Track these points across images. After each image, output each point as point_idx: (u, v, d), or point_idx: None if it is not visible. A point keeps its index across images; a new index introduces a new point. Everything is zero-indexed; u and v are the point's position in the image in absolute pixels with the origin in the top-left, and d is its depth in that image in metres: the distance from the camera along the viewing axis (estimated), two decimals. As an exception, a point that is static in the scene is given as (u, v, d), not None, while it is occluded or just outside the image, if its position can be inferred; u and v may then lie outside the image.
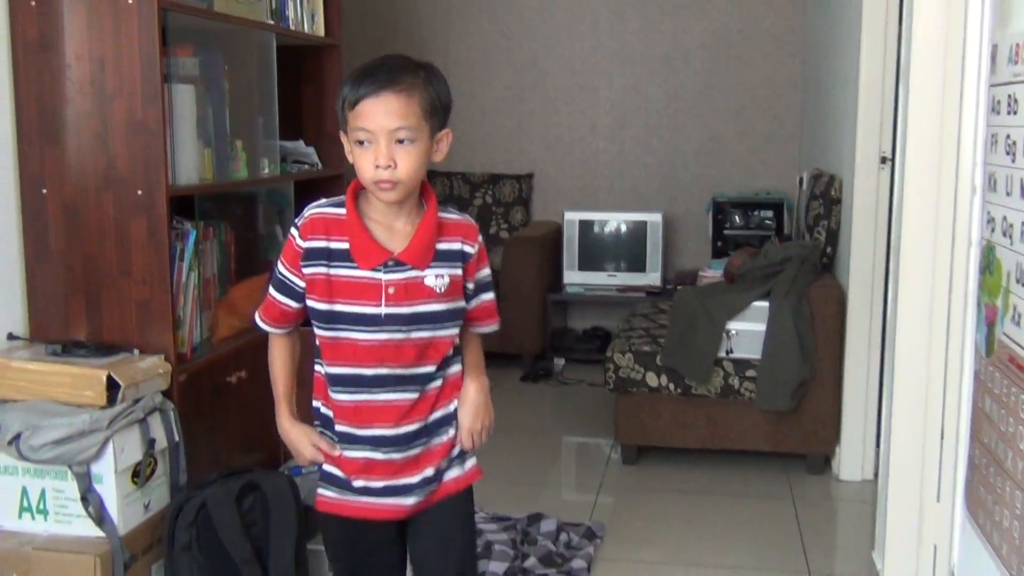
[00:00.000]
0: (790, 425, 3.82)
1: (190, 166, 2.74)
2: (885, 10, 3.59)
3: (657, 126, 5.86)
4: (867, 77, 3.64)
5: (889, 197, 3.52)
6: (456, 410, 1.92)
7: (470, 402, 1.93)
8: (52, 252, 2.62)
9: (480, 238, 1.89)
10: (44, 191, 2.61)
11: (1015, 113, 1.83)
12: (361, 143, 1.71)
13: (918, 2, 2.60)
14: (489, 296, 1.93)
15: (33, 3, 2.55)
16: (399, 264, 1.78)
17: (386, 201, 1.76)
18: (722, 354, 3.81)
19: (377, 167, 1.69)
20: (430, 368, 1.85)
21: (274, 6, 3.22)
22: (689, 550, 3.19)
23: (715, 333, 3.82)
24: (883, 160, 3.64)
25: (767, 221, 5.31)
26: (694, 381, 3.82)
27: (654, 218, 5.51)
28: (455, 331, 1.87)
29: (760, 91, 5.72)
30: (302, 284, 1.83)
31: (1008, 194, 1.86)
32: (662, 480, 3.85)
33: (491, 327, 1.96)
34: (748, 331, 3.81)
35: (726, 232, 5.36)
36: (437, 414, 1.90)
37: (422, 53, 6.21)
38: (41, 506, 2.42)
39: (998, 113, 1.95)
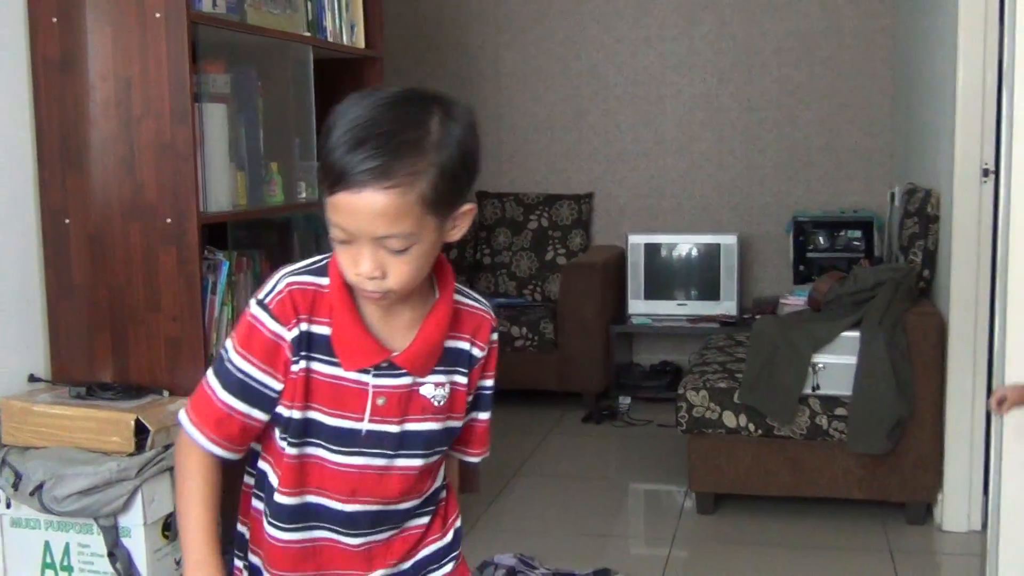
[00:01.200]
0: (886, 469, 3.75)
1: (222, 191, 2.78)
2: (984, 6, 3.55)
3: (731, 139, 5.84)
4: (965, 80, 3.60)
5: (993, 213, 3.47)
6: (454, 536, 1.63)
7: None
8: (75, 287, 2.67)
9: (495, 335, 1.56)
10: (67, 221, 2.66)
11: None
12: (340, 241, 1.35)
13: (1021, -4, 2.58)
14: (485, 416, 1.61)
15: (55, 19, 2.61)
16: (393, 368, 1.44)
17: (375, 304, 1.42)
18: (808, 391, 3.77)
19: (359, 275, 1.35)
20: (413, 502, 1.54)
21: (311, 17, 3.27)
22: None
23: (800, 367, 3.78)
24: (985, 172, 3.59)
25: (855, 242, 5.25)
26: (777, 421, 3.78)
27: (728, 240, 5.48)
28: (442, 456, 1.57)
29: (847, 99, 5.68)
30: (278, 388, 1.43)
31: None
32: (742, 532, 3.80)
33: (477, 458, 1.65)
34: (837, 364, 3.76)
35: (809, 255, 5.31)
36: (424, 552, 1.59)
37: (470, 64, 6.29)
38: (65, 562, 2.45)
39: (1116, 117, 1.92)
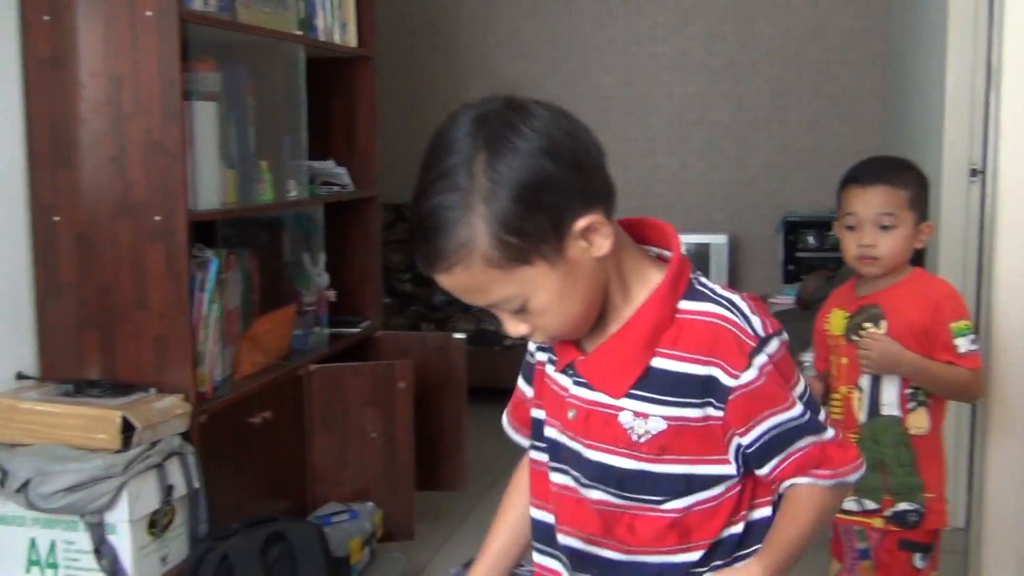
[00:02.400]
0: (873, 469, 3.76)
1: (212, 189, 2.78)
2: (974, 6, 3.56)
3: (722, 139, 5.85)
4: (954, 81, 3.61)
5: (979, 214, 3.48)
6: None
7: None
8: (64, 284, 2.67)
9: (760, 357, 1.23)
10: (56, 219, 2.66)
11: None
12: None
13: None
14: (798, 447, 1.26)
15: (46, 18, 2.61)
16: (580, 377, 1.30)
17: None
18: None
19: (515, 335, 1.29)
20: (653, 558, 1.30)
21: (302, 15, 3.26)
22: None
23: (788, 367, 3.79)
24: (973, 172, 3.60)
25: (845, 242, 5.26)
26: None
27: (719, 240, 5.50)
28: (698, 504, 1.29)
29: (837, 99, 5.69)
30: (533, 359, 1.41)
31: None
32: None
33: (825, 480, 1.29)
34: (825, 364, 3.77)
35: (799, 255, 5.32)
36: None
37: (461, 64, 6.29)
38: (51, 559, 2.45)
39: (1098, 119, 1.93)
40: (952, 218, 3.66)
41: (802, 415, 1.26)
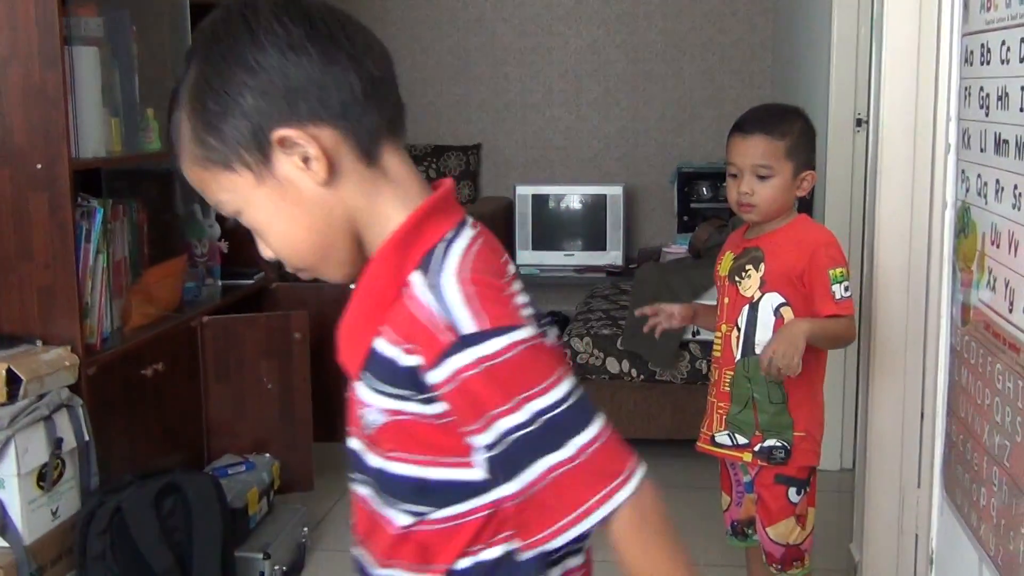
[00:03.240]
0: (763, 412, 3.87)
1: (96, 137, 2.72)
2: (858, -39, 3.64)
3: (617, 91, 5.89)
4: (840, 34, 3.69)
5: (864, 162, 3.57)
6: None
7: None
8: (-58, 234, 2.60)
9: (462, 359, 1.02)
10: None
11: (988, 63, 1.88)
12: None
13: (890, -51, 2.64)
14: (532, 471, 1.03)
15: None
16: None
17: None
18: (688, 336, 3.85)
19: None
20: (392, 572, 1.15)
21: (186, -41, 3.20)
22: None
23: (681, 313, 3.86)
24: (858, 122, 3.69)
25: (737, 192, 5.36)
26: (658, 366, 3.86)
27: (614, 191, 5.55)
28: (436, 519, 1.12)
29: (729, 52, 5.76)
30: None
31: (982, 150, 1.91)
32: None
33: (530, 550, 1.11)
34: (716, 311, 3.85)
35: (693, 205, 5.39)
36: None
37: (356, 13, 6.15)
38: (-64, 515, 2.40)
39: (971, 64, 1.99)
40: (839, 165, 3.75)
41: (529, 424, 1.02)
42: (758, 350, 2.18)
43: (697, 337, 3.84)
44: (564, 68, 5.90)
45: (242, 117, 1.05)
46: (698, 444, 2.37)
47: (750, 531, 2.35)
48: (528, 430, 1.02)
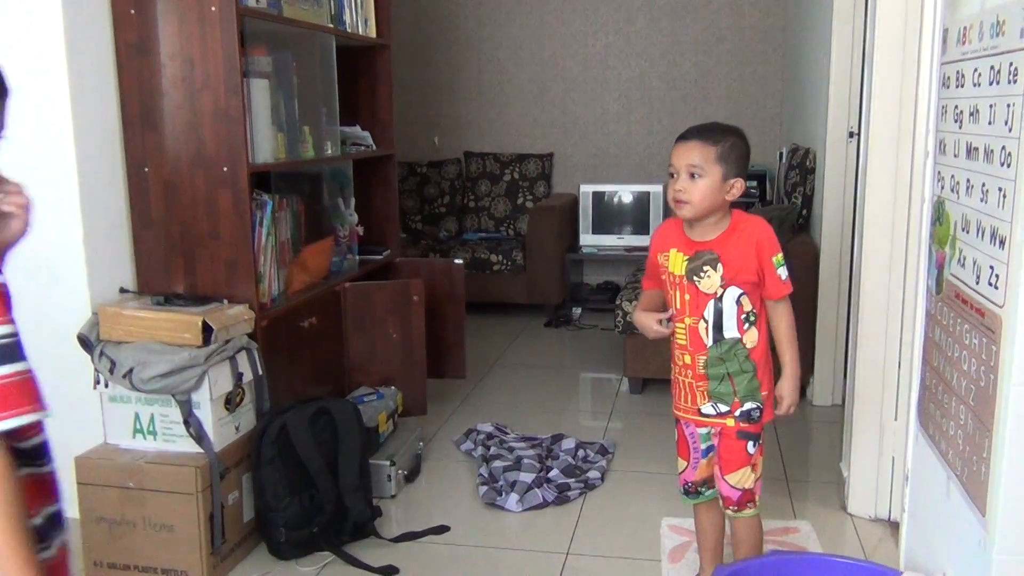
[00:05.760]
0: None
1: (266, 148, 2.75)
2: (853, 5, 3.52)
3: (659, 111, 5.80)
4: (837, 64, 3.59)
5: (856, 167, 3.47)
6: None
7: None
8: (154, 220, 2.65)
9: None
10: (146, 170, 2.63)
11: (962, 86, 1.80)
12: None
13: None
14: None
15: (132, 11, 2.55)
16: None
17: None
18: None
19: None
20: None
21: (334, 12, 3.21)
22: (686, 463, 3.20)
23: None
24: (851, 135, 3.59)
25: (752, 189, 5.22)
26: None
27: (656, 188, 5.47)
28: None
29: (747, 80, 5.64)
30: None
31: (955, 156, 1.83)
32: (663, 406, 3.85)
33: None
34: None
35: (717, 199, 5.28)
36: None
37: (457, 51, 6.19)
38: (151, 428, 2.47)
39: (948, 87, 1.91)
40: (834, 170, 3.66)
41: None
42: (727, 334, 2.00)
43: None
44: (617, 93, 5.83)
45: None
46: (678, 414, 2.14)
47: (703, 489, 2.17)
48: None
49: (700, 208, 1.98)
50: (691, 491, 2.18)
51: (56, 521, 1.15)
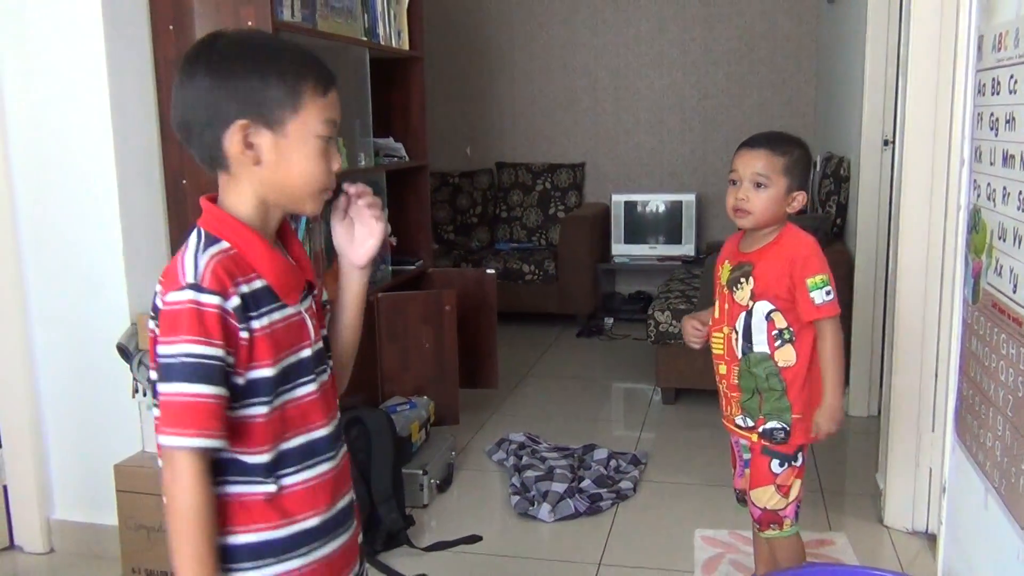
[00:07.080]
0: (806, 370, 3.76)
1: (300, 159, 2.77)
2: (887, 14, 3.49)
3: (691, 120, 5.78)
4: (872, 71, 3.56)
5: (891, 175, 3.44)
6: None
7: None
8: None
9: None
10: (183, 182, 2.67)
11: (997, 93, 1.78)
12: None
13: (915, 4, 2.53)
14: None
15: (171, 27, 2.60)
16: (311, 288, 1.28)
17: None
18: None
19: None
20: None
21: (367, 25, 3.24)
22: (718, 474, 3.17)
23: (741, 293, 3.77)
24: (885, 143, 3.56)
25: (786, 199, 5.22)
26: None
27: (688, 198, 5.46)
28: None
29: (780, 88, 5.61)
30: (231, 360, 1.10)
31: (992, 164, 1.81)
32: (696, 416, 3.84)
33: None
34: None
35: (750, 209, 5.25)
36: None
37: (490, 63, 6.22)
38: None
39: (983, 95, 1.89)
40: (869, 179, 3.62)
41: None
42: (756, 348, 1.94)
43: (754, 311, 3.74)
44: (649, 103, 5.82)
45: None
46: (723, 422, 2.11)
47: None
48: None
49: (761, 219, 1.92)
50: (740, 499, 2.17)
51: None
